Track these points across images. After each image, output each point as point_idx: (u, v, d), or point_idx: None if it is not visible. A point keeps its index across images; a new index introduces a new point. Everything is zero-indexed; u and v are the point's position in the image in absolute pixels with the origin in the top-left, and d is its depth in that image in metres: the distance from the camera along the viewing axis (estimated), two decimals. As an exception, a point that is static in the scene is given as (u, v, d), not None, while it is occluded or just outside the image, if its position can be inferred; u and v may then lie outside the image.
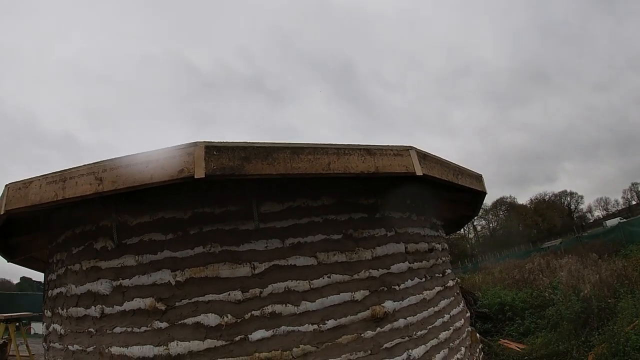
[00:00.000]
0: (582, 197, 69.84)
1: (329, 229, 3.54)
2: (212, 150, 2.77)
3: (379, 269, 3.64)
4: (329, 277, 3.41)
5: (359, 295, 3.47)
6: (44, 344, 4.49)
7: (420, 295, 3.93)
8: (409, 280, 3.87)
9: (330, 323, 3.33)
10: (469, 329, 4.90)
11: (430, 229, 4.56)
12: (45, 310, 4.42)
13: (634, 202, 64.71)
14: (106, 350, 3.40)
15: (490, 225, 68.99)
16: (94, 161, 3.05)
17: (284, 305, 3.26)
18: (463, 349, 4.41)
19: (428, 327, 3.88)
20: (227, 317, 3.18)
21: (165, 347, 3.19)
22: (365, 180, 3.64)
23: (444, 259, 4.77)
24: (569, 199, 69.47)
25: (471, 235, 67.89)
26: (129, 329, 3.34)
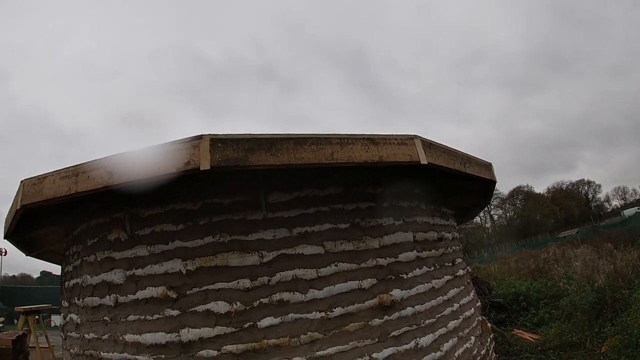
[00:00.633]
0: (599, 186, 68.05)
1: (336, 218, 3.58)
2: (217, 142, 2.83)
3: (387, 258, 3.67)
4: (336, 266, 3.45)
5: (366, 283, 3.51)
6: (61, 333, 4.64)
7: (429, 284, 3.95)
8: (417, 269, 3.89)
9: (338, 311, 3.38)
10: (480, 318, 4.90)
11: (440, 218, 4.57)
12: (63, 301, 4.56)
13: (652, 192, 63.17)
14: (120, 338, 3.50)
15: (507, 214, 67.89)
16: (105, 155, 3.15)
17: (291, 293, 3.32)
18: (473, 338, 4.42)
19: (437, 316, 3.90)
20: (237, 304, 3.25)
21: (176, 333, 3.28)
22: (373, 170, 3.67)
23: (454, 247, 4.77)
24: (586, 187, 67.90)
25: (488, 225, 66.91)
26: (142, 317, 3.44)
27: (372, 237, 3.66)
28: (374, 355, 3.39)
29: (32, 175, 3.48)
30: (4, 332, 5.24)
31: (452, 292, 4.27)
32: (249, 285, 3.29)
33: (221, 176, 3.29)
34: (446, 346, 3.86)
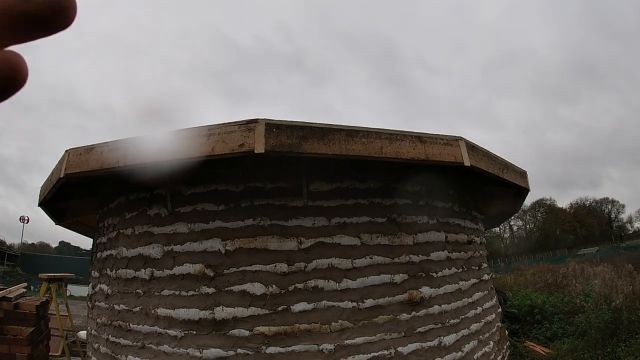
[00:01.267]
0: (623, 206, 66.55)
1: (374, 211, 3.64)
2: (272, 127, 2.90)
3: (419, 255, 3.73)
4: (371, 258, 3.51)
5: (398, 278, 3.57)
6: (88, 302, 4.73)
7: (456, 285, 4.00)
8: (447, 269, 3.94)
9: (369, 302, 3.44)
10: (499, 324, 4.95)
11: (470, 222, 4.61)
12: (93, 271, 4.66)
13: (675, 217, 62.24)
14: (152, 311, 3.59)
15: (527, 226, 67.07)
16: (156, 131, 3.23)
17: (326, 280, 3.38)
18: (492, 343, 4.47)
19: (461, 317, 3.95)
20: (272, 287, 3.32)
21: (210, 311, 3.36)
22: (412, 168, 3.71)
23: (481, 252, 4.82)
24: (610, 206, 66.67)
25: (506, 235, 66.29)
26: (177, 292, 3.52)
27: (407, 234, 3.71)
28: (400, 349, 3.45)
29: (78, 146, 3.57)
30: (27, 298, 5.36)
31: (476, 296, 4.32)
32: (285, 269, 3.36)
33: (265, 161, 3.36)
34: (467, 347, 3.91)
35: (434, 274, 3.80)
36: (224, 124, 3.02)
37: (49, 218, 5.29)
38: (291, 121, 2.95)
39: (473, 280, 4.32)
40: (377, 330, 3.42)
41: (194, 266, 3.46)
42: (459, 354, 3.79)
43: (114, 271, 4.03)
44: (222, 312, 3.33)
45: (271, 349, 3.26)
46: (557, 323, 7.72)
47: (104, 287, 4.17)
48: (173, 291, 3.54)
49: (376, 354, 3.37)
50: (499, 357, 4.63)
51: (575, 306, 7.90)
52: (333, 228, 3.50)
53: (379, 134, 3.10)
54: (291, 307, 3.31)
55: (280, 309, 3.31)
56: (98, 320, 4.20)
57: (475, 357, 4.02)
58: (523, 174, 4.53)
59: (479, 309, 4.31)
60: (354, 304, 3.40)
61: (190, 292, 3.46)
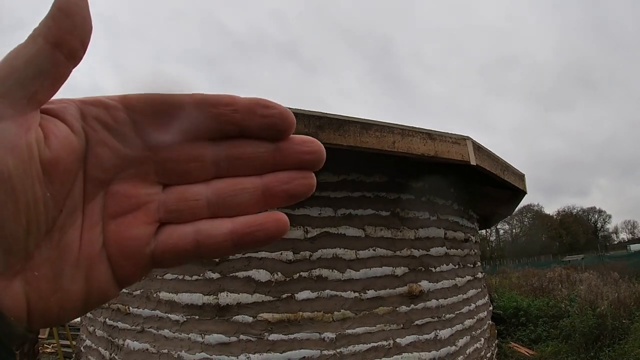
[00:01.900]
0: (610, 216, 68.05)
1: (378, 205, 3.71)
2: (290, 115, 2.93)
3: (420, 250, 3.81)
4: (374, 250, 3.58)
5: (399, 271, 3.65)
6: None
7: (453, 280, 4.10)
8: (445, 265, 4.04)
9: (370, 293, 3.51)
10: (490, 322, 5.07)
11: (467, 220, 4.72)
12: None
13: (661, 231, 63.60)
14: (154, 295, 3.59)
15: (514, 230, 67.73)
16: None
17: (330, 270, 3.44)
18: (483, 339, 4.58)
19: (456, 312, 4.06)
20: (277, 274, 3.37)
21: (214, 296, 3.38)
22: (416, 164, 3.79)
23: (475, 250, 4.94)
24: (596, 216, 67.77)
25: (492, 238, 66.96)
26: (180, 277, 3.53)
27: (409, 228, 3.80)
28: (398, 340, 3.53)
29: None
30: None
31: (471, 292, 4.43)
32: (291, 257, 3.41)
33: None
34: (461, 342, 4.01)
35: (433, 269, 3.89)
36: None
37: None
38: (308, 110, 2.99)
39: (468, 277, 4.43)
40: (377, 321, 3.49)
41: (199, 251, 3.48)
42: (453, 347, 3.89)
43: (113, 253, 4.01)
44: (227, 298, 3.36)
45: (274, 336, 3.30)
46: (541, 326, 7.88)
47: (102, 269, 4.15)
48: (176, 275, 3.55)
49: (375, 344, 3.44)
50: (489, 354, 4.75)
51: (560, 310, 8.08)
52: (339, 219, 3.56)
53: (392, 129, 3.17)
54: (295, 295, 3.36)
55: (284, 296, 3.35)
56: (94, 303, 4.17)
57: (467, 352, 4.13)
58: (522, 177, 4.66)
59: (473, 306, 4.42)
60: (357, 294, 3.46)
61: (195, 277, 3.48)
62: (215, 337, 3.33)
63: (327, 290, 3.41)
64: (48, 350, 7.08)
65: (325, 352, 3.32)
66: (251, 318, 3.33)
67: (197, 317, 3.42)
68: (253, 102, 0.32)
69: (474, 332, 4.34)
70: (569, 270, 13.65)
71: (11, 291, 0.28)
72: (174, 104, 0.31)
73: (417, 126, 3.37)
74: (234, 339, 3.32)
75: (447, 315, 3.93)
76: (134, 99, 0.31)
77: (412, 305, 3.68)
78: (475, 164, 3.46)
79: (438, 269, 3.94)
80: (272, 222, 0.33)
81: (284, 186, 0.33)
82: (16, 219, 0.26)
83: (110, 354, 3.79)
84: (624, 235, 66.24)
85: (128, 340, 3.65)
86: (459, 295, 4.16)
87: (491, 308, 5.38)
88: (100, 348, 3.96)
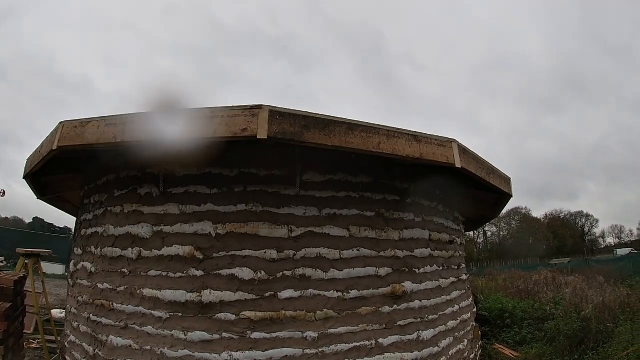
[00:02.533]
0: (597, 220, 67.66)
1: (363, 205, 3.72)
2: (276, 114, 2.94)
3: (404, 251, 3.84)
4: (358, 250, 3.60)
5: (382, 271, 3.67)
6: (69, 280, 4.68)
7: (437, 282, 4.13)
8: (429, 266, 4.06)
9: (354, 293, 3.53)
10: (474, 323, 5.11)
11: (453, 222, 4.75)
12: (76, 248, 4.60)
13: (648, 235, 63.71)
14: (138, 292, 3.58)
15: (501, 233, 67.67)
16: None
17: (314, 269, 3.46)
18: (466, 340, 4.62)
19: (439, 314, 4.08)
20: (261, 273, 3.37)
21: (198, 294, 3.38)
22: (402, 165, 3.81)
23: (460, 253, 4.97)
24: (584, 220, 67.66)
25: (480, 240, 66.96)
26: (164, 274, 3.52)
27: (394, 229, 3.82)
28: (380, 340, 3.55)
29: (73, 119, 3.51)
30: (5, 273, 5.25)
31: (455, 294, 4.46)
32: (275, 256, 3.41)
33: (261, 148, 3.39)
34: (444, 343, 4.04)
35: (417, 270, 3.91)
36: (228, 107, 3.03)
37: (23, 193, 5.21)
38: (295, 110, 3.00)
39: (452, 279, 4.46)
40: (359, 321, 3.51)
41: (183, 248, 3.48)
42: (436, 349, 3.92)
43: (99, 249, 4.00)
44: (210, 296, 3.36)
45: (256, 334, 3.31)
46: (526, 328, 7.91)
47: (88, 264, 4.13)
48: (160, 272, 3.54)
49: (358, 344, 3.46)
50: (472, 355, 4.79)
51: (545, 313, 8.10)
52: (323, 219, 3.57)
53: (378, 130, 3.18)
54: (278, 293, 3.37)
55: (267, 295, 3.36)
56: (79, 298, 4.15)
57: (450, 353, 4.16)
58: (507, 180, 4.69)
59: (456, 307, 4.45)
60: (340, 294, 3.48)
61: (178, 274, 3.48)
62: (197, 335, 3.33)
63: (310, 290, 3.42)
64: (33, 345, 7.02)
65: (308, 351, 3.33)
66: (234, 316, 3.34)
67: (180, 314, 3.42)
68: None
69: (457, 334, 4.37)
70: (555, 274, 13.73)
71: None
72: None
73: (405, 127, 3.39)
74: (216, 336, 3.32)
75: (430, 317, 3.96)
76: None
77: (395, 306, 3.70)
78: (460, 167, 3.48)
79: (422, 270, 3.96)
80: None
81: None
82: None
83: (94, 350, 3.77)
84: (610, 240, 66.51)
85: (112, 337, 3.64)
86: (442, 297, 4.18)
87: (475, 310, 5.41)
88: (84, 344, 3.94)
